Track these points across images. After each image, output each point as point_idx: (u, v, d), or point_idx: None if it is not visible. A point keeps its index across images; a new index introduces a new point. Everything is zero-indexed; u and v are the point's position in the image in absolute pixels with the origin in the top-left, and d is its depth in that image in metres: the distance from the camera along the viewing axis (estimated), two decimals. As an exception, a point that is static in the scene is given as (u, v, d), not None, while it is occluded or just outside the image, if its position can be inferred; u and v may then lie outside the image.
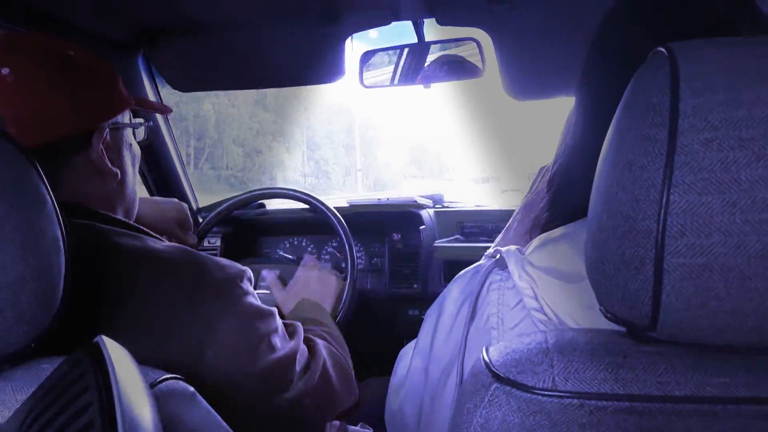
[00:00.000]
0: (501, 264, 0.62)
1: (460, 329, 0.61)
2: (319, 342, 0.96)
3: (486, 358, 0.47)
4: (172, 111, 1.00)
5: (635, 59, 0.44)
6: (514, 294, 0.59)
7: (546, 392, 0.42)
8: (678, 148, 0.37)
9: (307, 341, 0.92)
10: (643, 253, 0.39)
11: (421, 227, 1.77)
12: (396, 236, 1.78)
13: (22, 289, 0.48)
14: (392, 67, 1.53)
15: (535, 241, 0.61)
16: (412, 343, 0.75)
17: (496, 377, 0.44)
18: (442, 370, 0.64)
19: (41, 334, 0.52)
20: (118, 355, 0.35)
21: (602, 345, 0.44)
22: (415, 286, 1.72)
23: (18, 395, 0.48)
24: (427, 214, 1.83)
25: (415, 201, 1.84)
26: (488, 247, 1.70)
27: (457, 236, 1.82)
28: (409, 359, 0.74)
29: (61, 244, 0.53)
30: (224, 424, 0.60)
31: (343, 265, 1.55)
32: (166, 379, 0.52)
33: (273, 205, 2.01)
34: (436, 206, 1.93)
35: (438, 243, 1.75)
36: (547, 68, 1.20)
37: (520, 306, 0.58)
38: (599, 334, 0.46)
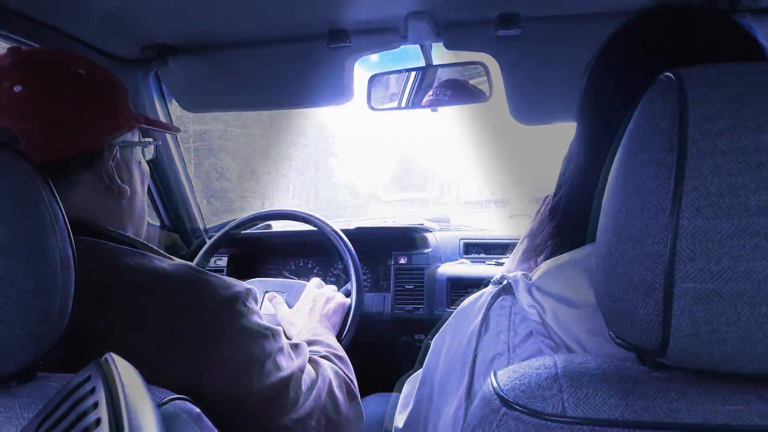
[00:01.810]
0: (507, 290, 0.62)
1: (467, 354, 0.61)
2: (325, 363, 0.95)
3: (495, 383, 0.47)
4: (180, 131, 1.01)
5: (637, 83, 0.45)
6: (521, 319, 0.59)
7: (555, 418, 0.42)
8: (687, 172, 0.37)
9: (313, 362, 0.92)
10: (652, 278, 0.39)
11: (427, 250, 1.77)
12: (402, 259, 1.78)
13: (31, 305, 0.48)
14: (399, 90, 1.54)
15: (542, 266, 0.61)
16: (419, 372, 0.75)
17: (505, 403, 0.44)
18: (447, 393, 0.64)
19: (48, 350, 0.52)
20: (126, 373, 0.35)
21: (612, 370, 0.44)
22: (420, 309, 1.71)
23: (25, 413, 0.48)
24: (433, 237, 1.83)
25: (422, 224, 1.85)
26: (493, 269, 1.70)
27: (462, 259, 1.82)
28: (415, 384, 0.73)
29: (71, 260, 0.53)
30: None
31: (349, 287, 1.55)
32: (173, 399, 0.52)
33: (279, 226, 2.02)
34: (443, 229, 1.93)
35: (444, 265, 1.75)
36: (552, 94, 1.21)
37: (528, 332, 0.57)
38: (609, 359, 0.46)
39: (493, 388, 0.46)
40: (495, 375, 0.48)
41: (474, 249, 1.84)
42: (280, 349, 0.80)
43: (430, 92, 1.49)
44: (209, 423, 0.57)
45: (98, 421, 0.31)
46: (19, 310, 0.48)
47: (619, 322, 0.43)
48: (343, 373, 0.99)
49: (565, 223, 0.64)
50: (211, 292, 0.73)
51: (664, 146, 0.39)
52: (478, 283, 1.71)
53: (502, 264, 1.69)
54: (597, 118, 0.61)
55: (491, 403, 0.45)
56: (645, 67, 0.54)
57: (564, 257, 0.59)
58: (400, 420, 0.77)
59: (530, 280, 0.61)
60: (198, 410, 0.55)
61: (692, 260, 0.37)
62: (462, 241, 1.84)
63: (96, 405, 0.33)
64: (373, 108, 1.45)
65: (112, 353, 0.38)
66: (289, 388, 0.79)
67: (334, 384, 0.92)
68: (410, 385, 0.82)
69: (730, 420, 0.40)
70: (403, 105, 1.55)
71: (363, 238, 1.70)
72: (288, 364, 0.81)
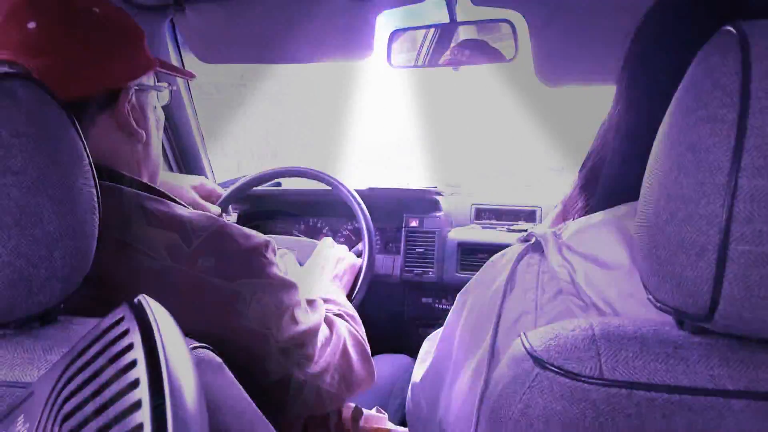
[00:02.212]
0: (535, 248, 0.61)
1: (491, 311, 0.60)
2: (339, 321, 0.95)
3: (527, 343, 0.46)
4: (195, 76, 0.99)
5: (694, 38, 0.42)
6: (549, 278, 0.57)
7: (592, 380, 0.41)
8: (749, 130, 0.36)
9: (327, 319, 0.92)
10: (705, 240, 0.37)
11: (439, 213, 1.76)
12: (413, 222, 1.77)
13: (56, 246, 0.47)
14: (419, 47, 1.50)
15: (573, 225, 0.60)
16: (439, 330, 0.74)
17: (539, 363, 0.43)
18: (468, 349, 0.63)
19: (71, 293, 0.51)
20: (161, 316, 0.34)
21: (651, 334, 0.43)
22: (429, 273, 1.71)
23: (48, 355, 0.47)
24: (445, 201, 1.81)
25: (435, 187, 1.83)
26: (504, 236, 1.68)
27: (473, 225, 1.81)
28: (435, 340, 0.73)
29: (96, 203, 0.52)
30: (248, 397, 0.60)
31: (360, 247, 1.54)
32: (196, 347, 0.52)
33: (289, 184, 2.00)
34: (454, 194, 1.91)
35: (454, 230, 1.74)
36: (585, 54, 1.17)
37: (556, 290, 0.56)
38: (647, 323, 0.45)
39: (525, 348, 0.45)
40: (525, 335, 0.47)
41: (485, 215, 1.83)
42: (298, 303, 0.80)
43: (449, 51, 1.45)
44: (230, 373, 0.57)
45: (134, 363, 0.31)
46: (44, 250, 0.47)
47: (662, 285, 0.42)
48: (356, 332, 0.99)
49: (600, 186, 0.62)
50: (235, 242, 0.73)
51: (724, 102, 0.37)
52: (488, 249, 1.71)
53: (513, 231, 1.68)
54: (643, 81, 0.58)
55: (523, 363, 0.44)
56: (699, 26, 0.52)
57: (597, 216, 0.58)
58: (417, 374, 0.77)
59: (560, 238, 0.59)
60: (219, 360, 0.55)
61: (750, 222, 0.36)
62: (474, 206, 1.83)
63: (131, 347, 0.32)
64: (392, 65, 1.41)
65: (145, 295, 0.37)
66: (305, 342, 0.79)
67: (349, 343, 0.92)
68: (430, 342, 0.82)
69: None
70: (421, 63, 1.52)
71: (375, 199, 1.69)
72: (305, 318, 0.80)
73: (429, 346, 0.80)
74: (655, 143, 0.44)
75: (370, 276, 1.47)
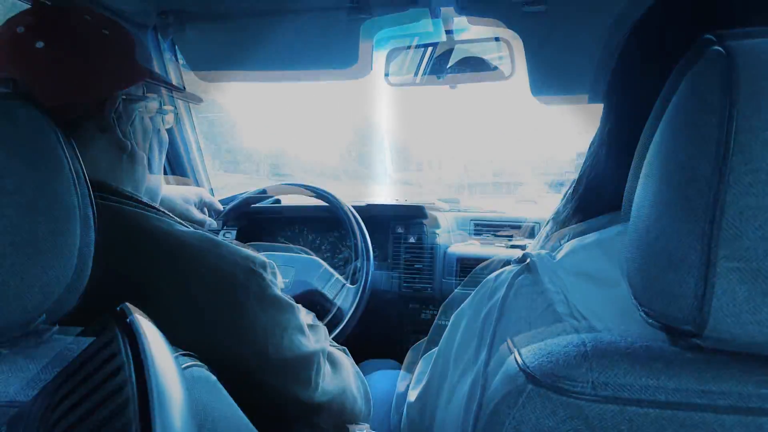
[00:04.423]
0: (530, 268, 0.61)
1: (486, 330, 0.60)
2: (345, 362, 0.95)
3: (520, 360, 0.46)
4: (183, 90, 0.99)
5: (680, 52, 0.43)
6: (543, 298, 0.58)
7: (585, 397, 0.41)
8: (734, 148, 0.36)
9: (332, 354, 0.91)
10: (693, 256, 0.38)
11: (437, 229, 1.76)
12: (412, 238, 1.77)
13: (50, 265, 0.48)
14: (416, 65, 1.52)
15: (567, 246, 0.60)
16: (435, 349, 0.74)
17: (532, 380, 0.43)
18: (463, 369, 0.63)
19: (66, 311, 0.51)
20: (151, 335, 0.34)
21: (643, 351, 0.43)
22: (428, 288, 1.71)
23: (42, 374, 0.47)
24: (443, 216, 1.82)
25: (433, 203, 1.83)
26: (503, 251, 1.68)
27: (472, 240, 1.81)
28: (430, 361, 0.73)
29: (92, 221, 0.52)
30: (244, 416, 0.59)
31: (358, 264, 1.54)
32: (190, 366, 0.52)
33: (287, 201, 2.00)
34: (452, 210, 1.92)
35: (454, 245, 1.74)
36: (576, 73, 1.18)
37: (549, 311, 0.56)
38: (639, 339, 0.45)
39: (518, 365, 0.45)
40: (519, 352, 0.47)
41: (484, 230, 1.83)
42: (298, 326, 0.79)
43: (448, 68, 1.46)
44: (224, 391, 0.57)
45: (124, 383, 0.31)
46: (38, 269, 0.47)
47: (653, 302, 0.42)
48: (358, 369, 0.98)
49: (588, 202, 0.63)
50: (232, 264, 0.72)
51: (711, 121, 0.37)
52: (486, 259, 1.71)
53: (512, 246, 1.68)
54: (627, 96, 0.59)
55: (516, 380, 0.44)
56: (680, 42, 0.52)
57: (590, 237, 0.58)
58: (413, 395, 0.77)
59: (554, 259, 0.60)
60: (214, 378, 0.55)
61: (738, 238, 0.36)
62: (472, 222, 1.83)
63: (120, 368, 0.32)
64: (390, 83, 1.43)
65: (137, 312, 0.37)
66: (304, 367, 0.79)
67: (353, 386, 0.92)
68: (425, 362, 0.82)
69: (764, 404, 0.38)
70: (419, 81, 1.53)
71: (373, 215, 1.69)
72: (306, 342, 0.80)
73: (424, 365, 0.80)
74: (645, 163, 0.45)
75: (368, 292, 1.47)
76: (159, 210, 0.76)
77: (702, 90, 0.39)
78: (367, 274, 1.47)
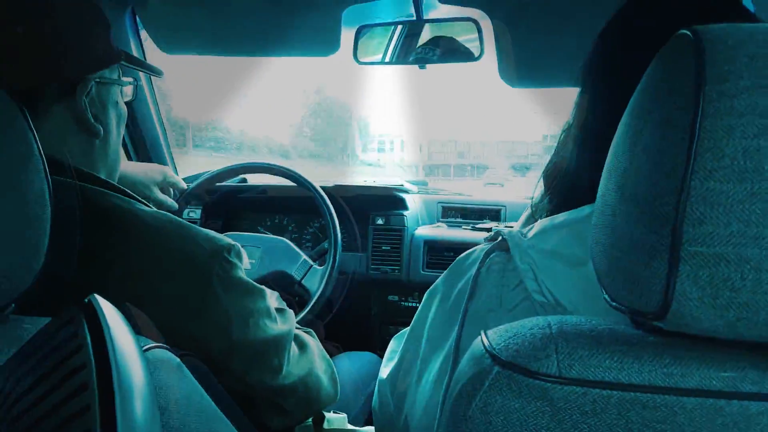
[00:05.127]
0: (501, 246, 0.62)
1: (457, 308, 0.60)
2: (311, 343, 0.94)
3: (486, 341, 0.46)
4: (163, 74, 0.96)
5: (660, 42, 0.43)
6: (514, 276, 0.58)
7: (550, 378, 0.41)
8: (701, 133, 0.36)
9: (299, 337, 0.90)
10: (658, 240, 0.38)
11: (405, 212, 1.76)
12: (379, 219, 1.77)
13: (3, 243, 0.46)
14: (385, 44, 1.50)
15: (537, 225, 0.61)
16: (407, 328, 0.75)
17: (498, 362, 0.43)
18: (435, 346, 0.64)
19: (23, 292, 0.49)
20: (112, 316, 0.33)
21: (607, 333, 0.44)
22: (396, 271, 1.71)
23: None
24: (411, 199, 1.82)
25: (402, 185, 1.83)
26: (470, 234, 1.70)
27: (440, 223, 1.82)
28: (402, 338, 0.73)
29: (47, 197, 0.50)
30: (208, 398, 0.59)
31: (326, 245, 1.53)
32: (153, 347, 0.50)
33: (254, 180, 1.97)
34: (421, 192, 1.92)
35: (421, 228, 1.75)
36: (549, 57, 1.19)
37: (520, 287, 0.57)
38: (603, 322, 0.46)
39: (485, 347, 0.45)
40: (485, 334, 0.47)
41: (452, 213, 1.84)
42: (265, 310, 0.78)
43: (418, 48, 1.45)
44: (189, 374, 0.56)
45: (83, 365, 0.30)
46: None
47: (618, 285, 0.43)
48: (325, 353, 0.97)
49: (562, 187, 0.64)
50: (197, 245, 0.71)
51: (679, 106, 0.38)
52: (454, 247, 1.73)
53: (478, 229, 1.70)
54: (605, 83, 0.60)
55: (482, 362, 0.45)
56: (663, 30, 0.53)
57: (561, 216, 0.59)
58: (384, 372, 0.77)
59: (525, 237, 0.60)
60: (178, 360, 0.54)
61: (701, 223, 0.36)
62: (440, 204, 1.84)
63: (79, 348, 0.31)
64: (359, 61, 1.41)
65: (96, 295, 0.36)
66: (271, 352, 0.78)
67: (319, 369, 0.91)
68: (397, 341, 0.82)
69: (724, 386, 0.40)
70: (388, 59, 1.52)
71: (341, 196, 1.68)
72: (273, 326, 0.79)
73: (396, 344, 0.81)
74: (613, 144, 0.45)
75: (336, 274, 1.46)
76: (118, 188, 0.73)
77: (671, 73, 0.39)
78: (335, 255, 1.46)
